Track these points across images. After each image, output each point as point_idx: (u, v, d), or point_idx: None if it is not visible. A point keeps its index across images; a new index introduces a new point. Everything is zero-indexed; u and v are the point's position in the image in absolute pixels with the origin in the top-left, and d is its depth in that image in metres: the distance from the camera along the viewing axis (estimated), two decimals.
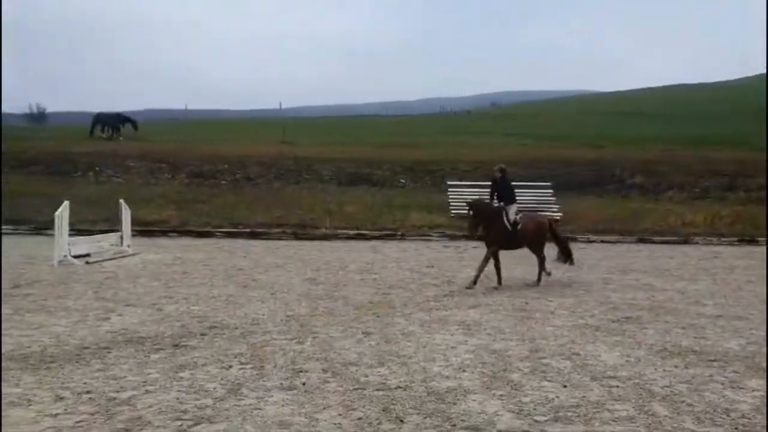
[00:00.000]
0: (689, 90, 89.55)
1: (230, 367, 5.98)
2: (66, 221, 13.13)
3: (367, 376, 5.71)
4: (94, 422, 4.59)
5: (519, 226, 11.17)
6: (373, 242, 18.31)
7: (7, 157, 27.07)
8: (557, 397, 5.17)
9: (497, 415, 4.78)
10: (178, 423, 4.59)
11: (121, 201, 15.77)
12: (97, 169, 26.24)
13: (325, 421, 4.65)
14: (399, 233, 19.67)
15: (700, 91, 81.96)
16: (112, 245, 14.93)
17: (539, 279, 11.39)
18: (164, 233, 19.29)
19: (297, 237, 19.00)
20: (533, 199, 22.00)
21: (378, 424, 4.60)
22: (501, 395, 5.22)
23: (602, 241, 19.16)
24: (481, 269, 10.90)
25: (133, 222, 16.13)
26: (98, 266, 12.72)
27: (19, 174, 25.77)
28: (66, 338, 6.99)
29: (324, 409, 4.89)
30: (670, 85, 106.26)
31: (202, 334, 7.22)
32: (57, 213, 12.97)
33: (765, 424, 4.64)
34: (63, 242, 12.89)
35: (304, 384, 5.49)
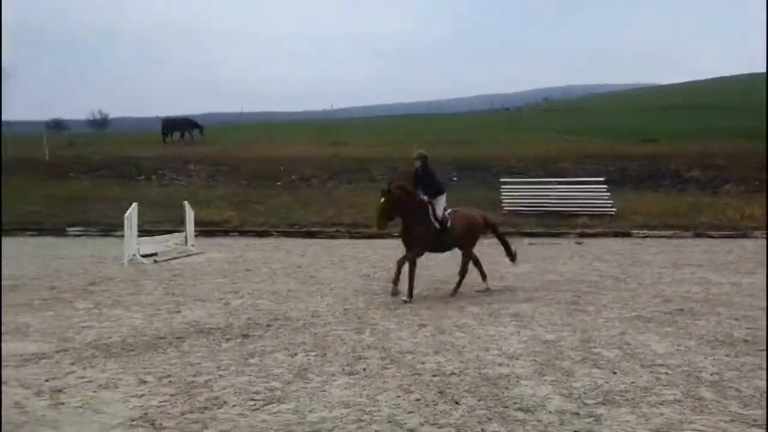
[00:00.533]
0: (742, 80, 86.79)
1: (295, 354, 6.40)
2: (135, 222, 13.86)
3: (423, 364, 6.04)
4: (176, 402, 5.06)
5: (448, 223, 9.68)
6: None
7: (74, 162, 28.44)
8: (606, 382, 5.40)
9: (548, 398, 5.05)
10: (252, 402, 5.02)
11: (185, 202, 16.49)
12: (159, 172, 27.31)
13: (385, 402, 5.00)
14: None
15: (754, 82, 79.43)
16: (177, 245, 15.64)
17: (457, 286, 9.93)
18: (225, 233, 20.00)
19: (351, 236, 19.43)
20: (587, 194, 21.92)
21: (434, 404, 4.93)
22: (552, 381, 5.47)
23: (658, 236, 18.98)
24: (398, 273, 9.38)
25: (196, 223, 16.84)
26: (165, 264, 13.40)
27: (85, 178, 27.06)
28: (143, 329, 7.54)
29: (384, 391, 5.24)
30: (721, 76, 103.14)
31: (267, 326, 7.68)
32: (126, 215, 13.71)
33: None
34: (132, 242, 13.63)
35: (364, 370, 5.85)
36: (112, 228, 18.81)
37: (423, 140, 35.34)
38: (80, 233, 20.09)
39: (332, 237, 19.37)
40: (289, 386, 5.40)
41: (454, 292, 9.88)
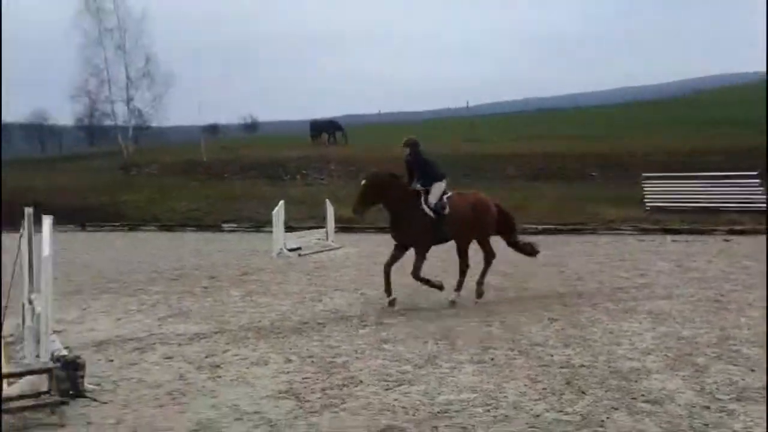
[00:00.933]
0: None
1: (426, 342, 6.72)
2: (282, 219, 14.87)
3: (551, 356, 6.14)
4: (318, 379, 5.54)
5: (445, 210, 8.62)
6: (562, 236, 18.31)
7: (228, 163, 30.68)
8: (743, 379, 5.24)
9: (678, 392, 5.00)
10: (384, 383, 5.39)
11: (327, 200, 17.39)
12: (303, 172, 28.83)
13: (512, 389, 5.19)
14: (589, 227, 19.44)
15: None
16: (319, 240, 16.55)
17: (459, 286, 8.90)
18: (362, 230, 20.80)
19: None
20: (737, 189, 20.54)
21: (561, 394, 5.05)
22: (684, 376, 5.40)
23: None
24: (425, 280, 8.66)
25: (335, 219, 17.70)
26: (308, 258, 14.28)
27: (238, 179, 29.14)
28: (289, 315, 8.21)
29: (511, 380, 5.43)
30: None
31: (400, 315, 8.08)
32: (274, 212, 14.76)
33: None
34: (280, 237, 14.64)
35: (492, 359, 6.06)
36: (262, 224, 20.22)
37: (562, 135, 34.56)
38: (234, 229, 21.79)
39: None
40: (419, 370, 5.73)
41: (479, 288, 8.96)
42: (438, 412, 4.71)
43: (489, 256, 9.24)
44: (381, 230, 20.53)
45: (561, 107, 59.09)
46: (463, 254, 9.12)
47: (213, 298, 9.45)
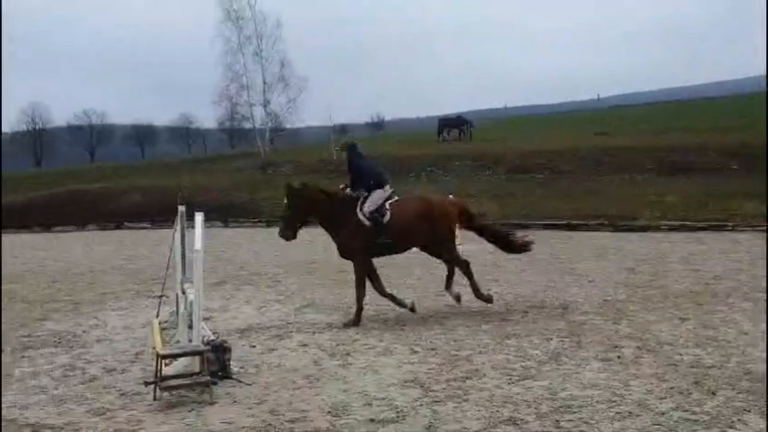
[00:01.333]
0: None
1: (550, 339, 6.75)
2: None
3: (681, 355, 6.00)
4: (442, 370, 5.77)
5: (384, 218, 7.73)
6: (698, 234, 17.37)
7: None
8: None
9: None
10: (507, 377, 5.53)
11: (450, 197, 17.54)
12: (428, 169, 29.16)
13: (637, 387, 5.16)
14: (729, 225, 18.29)
15: None
16: None
17: (456, 297, 8.24)
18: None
19: (615, 229, 18.90)
20: None
21: (689, 393, 4.96)
22: None
23: None
24: (359, 298, 7.79)
25: None
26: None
27: None
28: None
29: (636, 378, 5.38)
30: None
31: (524, 312, 8.13)
32: None
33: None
34: None
35: (618, 357, 6.01)
36: None
37: (697, 128, 32.72)
38: None
39: (595, 230, 19.04)
40: (542, 366, 5.80)
41: (483, 298, 8.25)
42: (560, 407, 4.79)
43: (456, 263, 8.35)
44: (504, 226, 20.44)
45: (695, 97, 55.62)
46: (448, 261, 8.37)
47: (343, 290, 9.92)
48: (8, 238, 23.32)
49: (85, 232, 24.49)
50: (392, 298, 8.04)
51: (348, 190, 8.05)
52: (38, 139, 64.23)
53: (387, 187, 7.97)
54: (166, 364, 5.40)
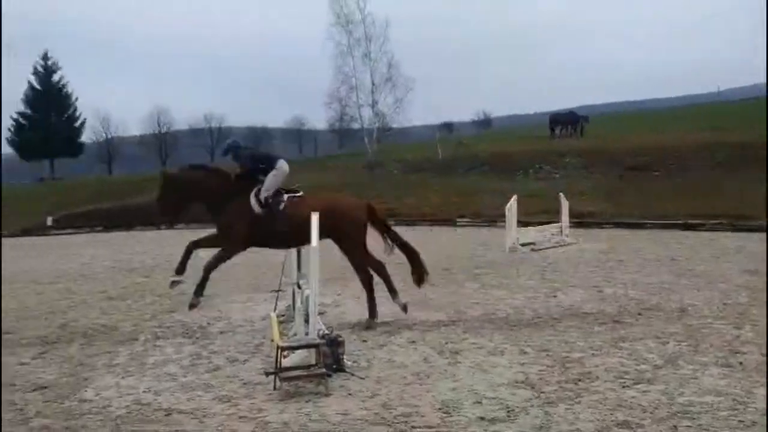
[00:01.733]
0: None
1: (666, 342, 6.54)
2: (515, 213, 15.07)
3: None
4: (553, 372, 5.73)
5: (281, 206, 7.45)
6: None
7: (461, 160, 31.56)
8: None
9: None
10: (621, 380, 5.42)
11: (560, 194, 17.21)
12: (537, 166, 28.68)
13: (762, 395, 4.92)
14: None
15: None
16: (552, 235, 16.47)
17: (371, 313, 7.77)
18: (598, 225, 20.22)
19: (735, 229, 17.88)
20: None
21: None
22: None
23: None
24: (203, 280, 7.47)
25: (570, 214, 17.44)
26: (542, 253, 14.32)
27: (472, 174, 29.88)
28: (523, 309, 8.45)
29: (761, 386, 5.13)
30: None
31: (638, 314, 7.89)
32: (507, 206, 15.02)
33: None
34: (513, 232, 14.87)
35: (740, 363, 5.75)
36: (494, 219, 20.61)
37: None
38: (468, 224, 22.45)
39: (713, 230, 18.08)
40: (658, 370, 5.64)
41: (371, 317, 7.80)
42: (678, 412, 4.66)
43: (369, 265, 7.88)
44: (618, 225, 19.84)
45: None
46: (351, 258, 7.85)
47: (449, 289, 10.00)
48: (140, 235, 25.15)
49: (208, 229, 25.88)
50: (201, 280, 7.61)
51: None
52: (163, 142, 68.46)
53: (279, 164, 7.64)
54: (284, 356, 5.69)
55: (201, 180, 7.63)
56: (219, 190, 7.57)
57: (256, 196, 7.50)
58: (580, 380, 5.47)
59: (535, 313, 8.20)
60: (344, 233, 7.59)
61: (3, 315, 8.66)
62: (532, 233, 16.04)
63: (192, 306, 7.62)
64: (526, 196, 21.10)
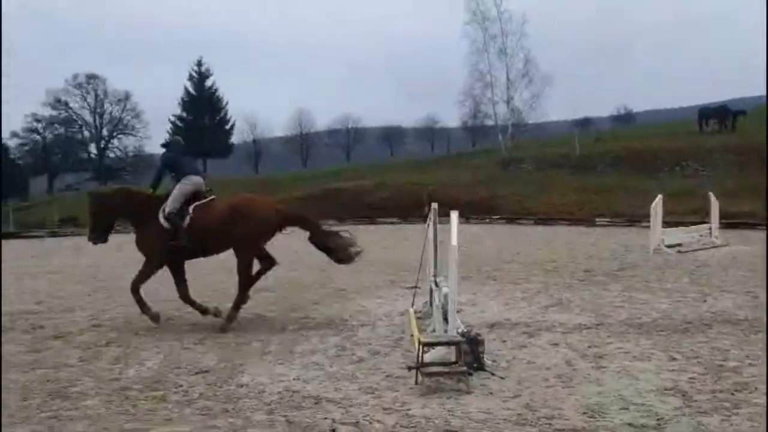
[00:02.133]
0: None
1: None
2: (660, 213, 14.37)
3: None
4: (705, 380, 5.45)
5: (185, 220, 7.58)
6: None
7: (600, 156, 30.42)
8: None
9: None
10: None
11: (710, 194, 16.19)
12: (683, 163, 27.10)
13: None
14: None
15: None
16: (701, 236, 15.53)
17: (231, 315, 7.76)
18: (750, 226, 18.83)
19: None
20: None
21: None
22: None
23: None
24: (139, 300, 7.81)
25: (720, 214, 16.36)
26: (689, 255, 13.55)
27: (610, 171, 28.73)
28: (670, 313, 8.07)
29: None
30: None
31: None
32: (652, 206, 14.35)
33: None
34: (657, 232, 14.19)
35: None
36: (636, 219, 19.72)
37: None
38: (608, 223, 21.64)
39: None
40: None
41: (229, 320, 7.78)
42: None
43: (251, 272, 7.93)
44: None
45: None
46: (241, 269, 7.82)
47: (591, 291, 9.74)
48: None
49: (342, 226, 26.78)
50: (193, 303, 8.05)
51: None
52: (304, 143, 71.45)
53: (187, 178, 7.85)
54: (425, 352, 5.82)
55: (123, 200, 8.17)
56: (137, 209, 8.02)
57: (163, 211, 7.78)
58: (736, 390, 5.17)
59: (683, 318, 7.81)
60: (246, 232, 7.70)
61: (173, 301, 9.31)
62: (678, 234, 15.21)
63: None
64: (670, 195, 20.05)
